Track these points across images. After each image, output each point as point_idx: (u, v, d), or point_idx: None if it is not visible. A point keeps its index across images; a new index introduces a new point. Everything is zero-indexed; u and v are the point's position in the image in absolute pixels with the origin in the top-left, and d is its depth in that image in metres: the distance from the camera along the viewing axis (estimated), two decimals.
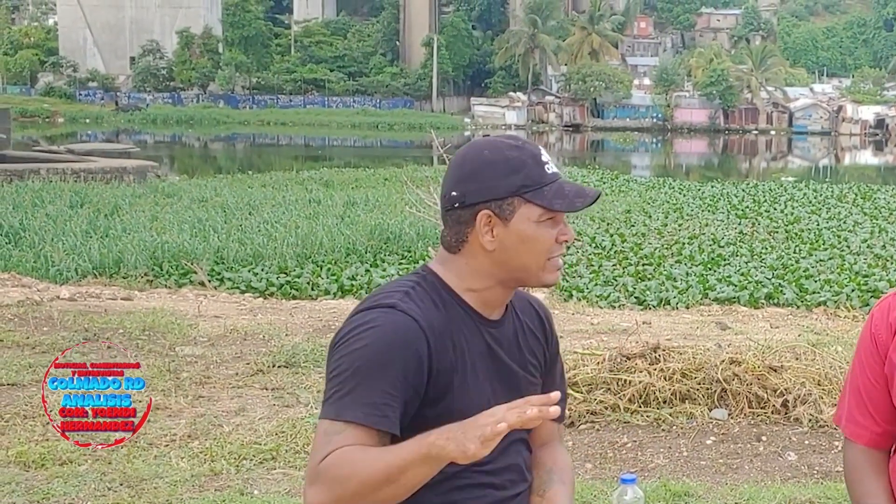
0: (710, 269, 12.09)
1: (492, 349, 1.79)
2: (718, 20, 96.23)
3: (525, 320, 1.88)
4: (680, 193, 23.06)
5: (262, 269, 11.39)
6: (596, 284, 11.03)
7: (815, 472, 4.34)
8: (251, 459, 4.26)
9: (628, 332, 6.19)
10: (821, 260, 12.95)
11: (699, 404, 4.90)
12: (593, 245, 14.09)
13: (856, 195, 22.60)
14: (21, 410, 4.77)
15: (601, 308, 9.53)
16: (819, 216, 18.32)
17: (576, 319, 7.97)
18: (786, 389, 4.92)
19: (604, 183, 25.19)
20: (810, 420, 4.78)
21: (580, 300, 10.04)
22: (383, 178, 23.92)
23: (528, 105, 76.45)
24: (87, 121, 68.44)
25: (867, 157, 57.15)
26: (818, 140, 70.52)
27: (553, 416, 1.49)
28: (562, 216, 1.75)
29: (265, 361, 5.84)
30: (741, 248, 14.02)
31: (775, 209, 19.53)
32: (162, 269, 11.08)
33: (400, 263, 12.08)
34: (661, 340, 5.40)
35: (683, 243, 14.41)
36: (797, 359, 5.20)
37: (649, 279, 11.39)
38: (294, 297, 9.98)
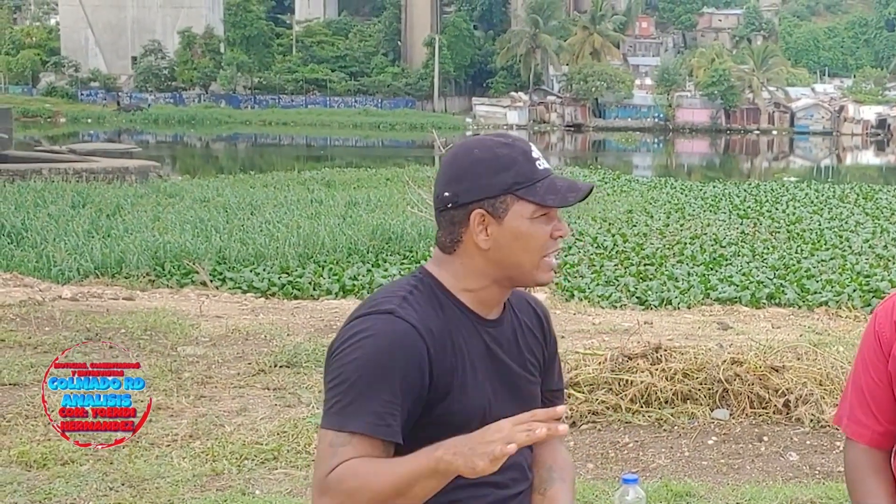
0: (711, 270, 12.09)
1: (490, 349, 1.78)
2: (720, 20, 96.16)
3: (523, 319, 1.88)
4: (682, 193, 23.03)
5: (264, 269, 11.40)
6: (597, 284, 11.03)
7: (817, 472, 4.34)
8: (253, 459, 4.26)
9: (630, 332, 6.20)
10: (822, 260, 12.94)
11: (701, 404, 4.91)
12: (595, 245, 14.09)
13: (857, 195, 22.56)
14: (23, 410, 4.77)
15: (603, 308, 9.53)
16: (821, 216, 18.31)
17: (577, 319, 7.96)
18: (787, 389, 4.92)
19: (605, 183, 25.16)
20: (812, 420, 4.78)
21: (582, 300, 10.04)
22: (385, 178, 23.90)
23: (530, 105, 76.40)
24: (89, 121, 68.43)
25: (869, 158, 57.10)
26: (820, 140, 70.44)
27: (562, 434, 1.49)
28: (555, 212, 1.74)
29: (267, 361, 5.84)
30: (743, 248, 14.02)
31: (777, 209, 19.51)
32: (164, 269, 11.10)
33: (402, 263, 12.09)
34: (663, 340, 5.40)
35: (685, 243, 14.40)
36: (799, 359, 5.20)
37: (651, 279, 11.39)
38: (296, 297, 9.98)
